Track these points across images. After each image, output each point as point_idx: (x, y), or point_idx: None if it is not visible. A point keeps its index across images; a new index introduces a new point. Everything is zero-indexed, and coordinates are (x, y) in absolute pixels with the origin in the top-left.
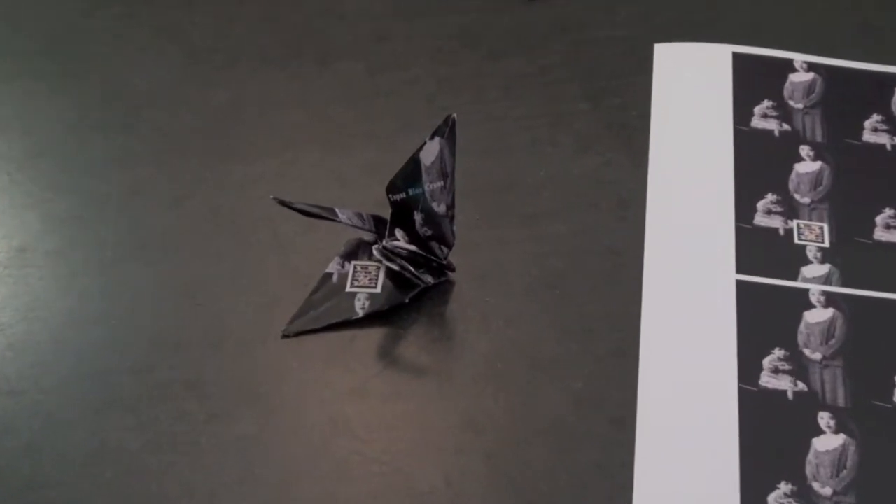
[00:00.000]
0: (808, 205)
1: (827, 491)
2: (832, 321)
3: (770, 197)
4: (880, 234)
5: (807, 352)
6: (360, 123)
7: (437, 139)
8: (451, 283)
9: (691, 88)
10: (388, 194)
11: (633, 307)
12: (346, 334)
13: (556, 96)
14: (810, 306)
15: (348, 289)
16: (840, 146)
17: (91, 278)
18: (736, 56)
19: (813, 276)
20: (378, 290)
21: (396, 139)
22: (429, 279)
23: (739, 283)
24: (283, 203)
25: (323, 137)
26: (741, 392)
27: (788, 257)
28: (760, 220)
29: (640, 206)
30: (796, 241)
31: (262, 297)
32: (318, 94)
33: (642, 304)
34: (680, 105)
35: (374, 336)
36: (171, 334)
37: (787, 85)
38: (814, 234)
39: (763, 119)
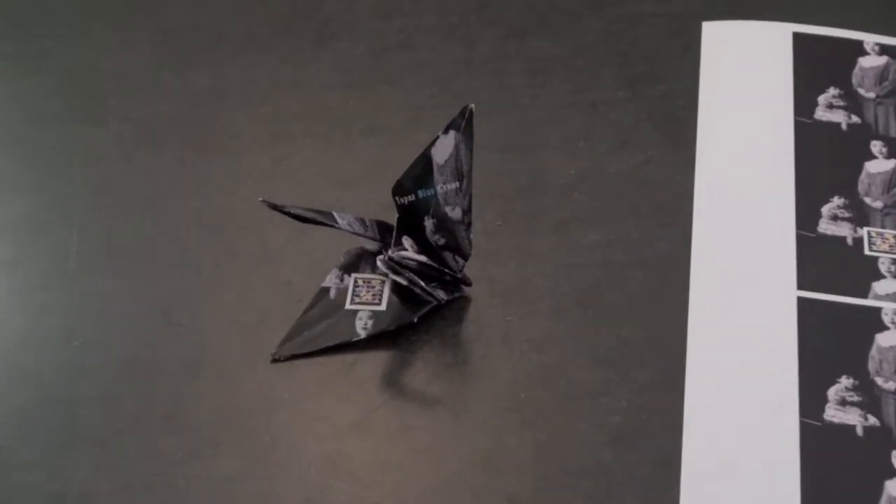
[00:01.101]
0: (881, 210)
1: None
2: None
3: (836, 201)
4: None
5: (879, 381)
6: (362, 114)
7: (451, 133)
8: (467, 300)
9: (745, 74)
10: (394, 197)
11: (677, 329)
12: (346, 359)
13: (590, 82)
14: (883, 328)
15: (348, 306)
16: None
17: (51, 293)
18: (797, 37)
19: (886, 293)
20: (382, 307)
21: (404, 133)
22: (441, 295)
23: (801, 301)
24: (273, 206)
25: (319, 130)
26: (803, 427)
27: (858, 271)
28: (825, 227)
29: (685, 211)
30: (867, 251)
31: (249, 316)
32: (313, 79)
33: (688, 326)
34: (732, 93)
35: (378, 361)
36: (143, 358)
37: (856, 71)
38: (887, 243)
39: (828, 110)
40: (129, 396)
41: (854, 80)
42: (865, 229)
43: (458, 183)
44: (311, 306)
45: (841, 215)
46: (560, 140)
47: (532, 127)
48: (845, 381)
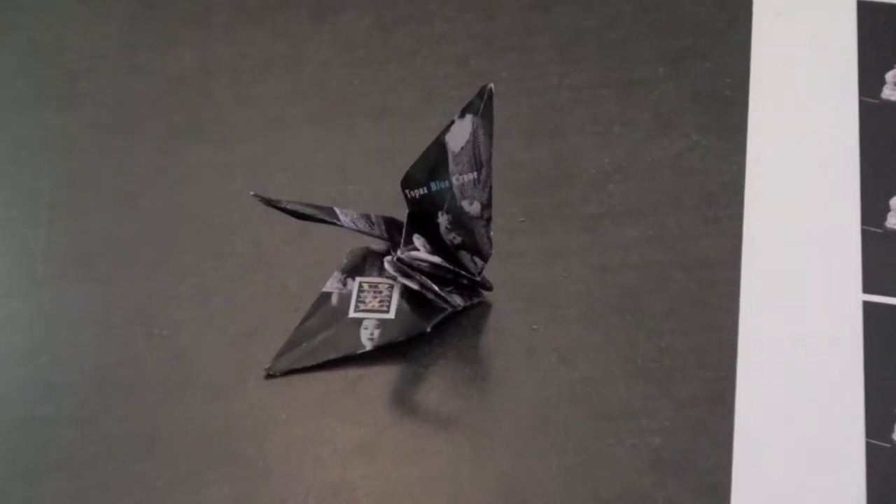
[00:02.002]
0: None
1: None
2: None
3: None
4: None
5: None
6: (367, 96)
7: (468, 117)
8: (487, 307)
9: (802, 49)
10: (403, 190)
11: (726, 338)
12: (350, 373)
13: (627, 58)
14: None
15: (352, 314)
16: None
17: (17, 301)
18: (862, 6)
19: None
20: (391, 315)
21: (415, 117)
22: (458, 301)
23: (867, 306)
24: (267, 202)
25: (319, 114)
26: (869, 449)
27: None
28: (894, 222)
29: (735, 203)
30: None
31: (240, 325)
32: (311, 56)
33: (738, 335)
34: (787, 71)
35: (385, 376)
36: (120, 374)
37: None
38: None
39: None
40: (104, 418)
41: None
42: None
43: (476, 173)
44: (311, 314)
45: None
46: (592, 124)
47: (560, 109)
48: None
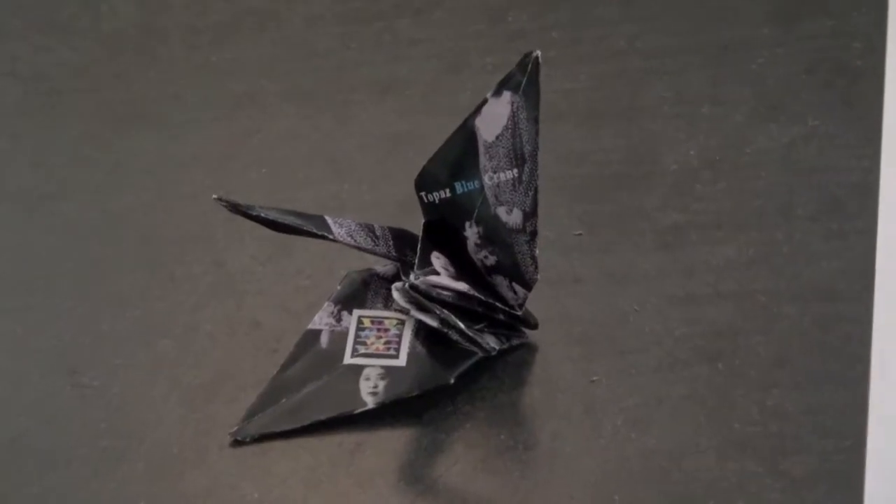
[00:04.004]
0: None
1: None
2: None
3: None
4: None
5: None
6: (368, 64)
7: (506, 95)
8: (530, 351)
9: None
10: (419, 192)
11: (853, 395)
12: (346, 440)
13: (720, 15)
14: None
15: (348, 359)
16: None
17: None
18: None
19: None
20: (401, 361)
21: (433, 93)
22: (491, 343)
23: None
24: (234, 208)
25: (303, 88)
26: None
27: None
28: None
29: (867, 212)
30: None
31: (196, 374)
32: (293, 8)
33: (870, 390)
34: None
35: (393, 444)
36: (36, 439)
37: None
38: None
39: None
40: (14, 497)
41: None
42: None
43: (516, 171)
44: (292, 360)
45: None
46: (673, 103)
47: (631, 83)
48: None
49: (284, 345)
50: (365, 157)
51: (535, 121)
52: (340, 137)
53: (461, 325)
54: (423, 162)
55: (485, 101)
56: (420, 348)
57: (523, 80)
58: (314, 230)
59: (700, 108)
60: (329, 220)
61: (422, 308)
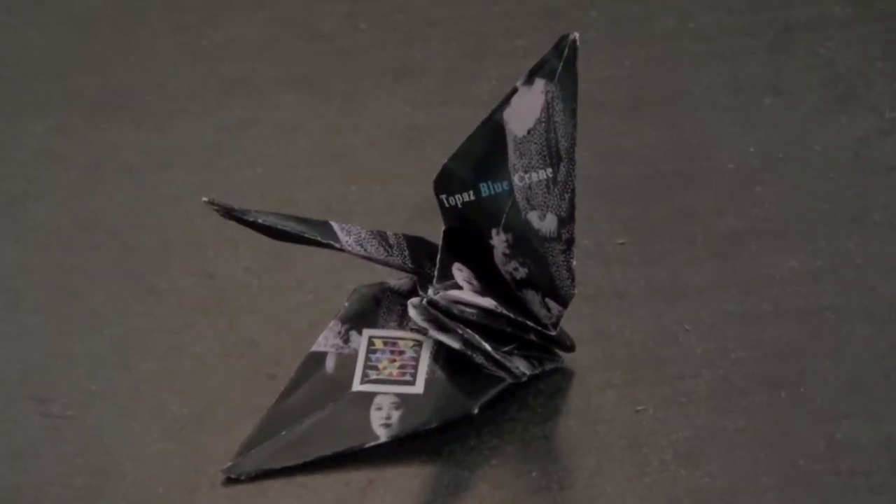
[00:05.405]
0: None
1: None
2: None
3: None
4: None
5: None
6: (379, 46)
7: (539, 83)
8: (566, 377)
9: None
10: (438, 195)
11: None
12: (355, 478)
13: None
14: None
15: (358, 386)
16: None
17: None
18: None
19: None
20: (418, 388)
21: (454, 80)
22: (521, 368)
23: None
24: (226, 212)
25: (305, 75)
26: None
27: None
28: None
29: None
30: None
31: (184, 403)
32: None
33: None
34: None
35: (408, 483)
36: (5, 475)
37: None
38: None
39: None
40: None
41: None
42: None
43: (550, 170)
44: (294, 386)
45: None
46: (730, 92)
47: (680, 68)
48: None
49: (284, 369)
50: (375, 153)
51: (573, 113)
52: (347, 131)
53: (487, 346)
54: (444, 160)
55: (514, 91)
56: (440, 373)
57: (559, 67)
58: (318, 238)
59: (761, 98)
60: (335, 227)
61: (442, 327)
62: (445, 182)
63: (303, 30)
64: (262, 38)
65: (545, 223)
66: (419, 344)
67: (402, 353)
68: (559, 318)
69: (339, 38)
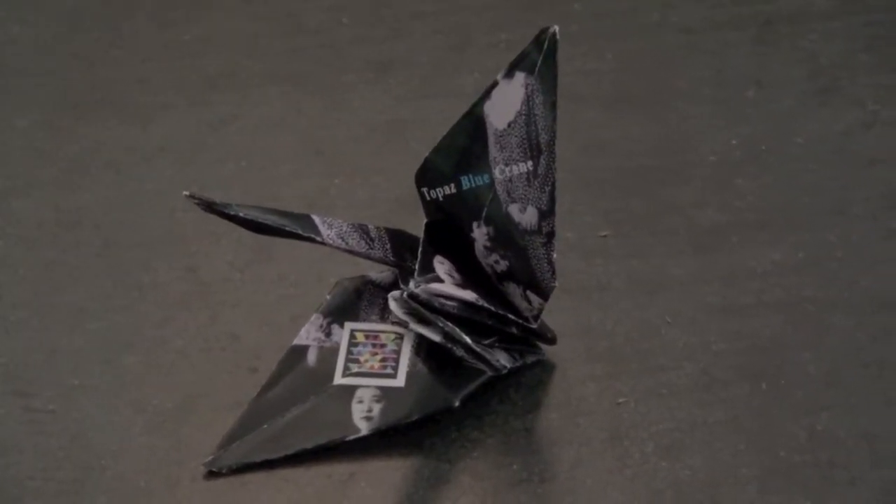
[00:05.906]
0: None
1: None
2: None
3: None
4: None
5: None
6: (362, 41)
7: (519, 76)
8: (547, 369)
9: None
10: (419, 188)
11: None
12: (337, 471)
13: None
14: None
15: (339, 379)
16: None
17: None
18: None
19: None
20: (399, 381)
21: (436, 73)
22: (502, 361)
23: None
24: (207, 206)
25: (288, 68)
26: None
27: None
28: None
29: None
30: None
31: (165, 397)
32: None
33: None
34: None
35: (389, 475)
36: None
37: None
38: None
39: None
40: None
41: None
42: None
43: (531, 163)
44: (276, 379)
45: None
46: (712, 85)
47: (664, 62)
48: None
49: (266, 363)
50: (358, 147)
51: (553, 106)
52: (330, 125)
53: (467, 339)
54: (425, 153)
55: (495, 84)
56: (421, 367)
57: (539, 60)
58: (300, 232)
59: (743, 91)
60: (317, 220)
61: (423, 320)
62: (427, 175)
63: (287, 24)
64: (245, 33)
65: (526, 216)
66: (400, 337)
67: (383, 346)
68: (540, 310)
69: (323, 32)
